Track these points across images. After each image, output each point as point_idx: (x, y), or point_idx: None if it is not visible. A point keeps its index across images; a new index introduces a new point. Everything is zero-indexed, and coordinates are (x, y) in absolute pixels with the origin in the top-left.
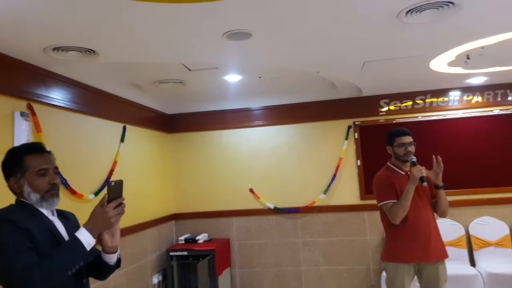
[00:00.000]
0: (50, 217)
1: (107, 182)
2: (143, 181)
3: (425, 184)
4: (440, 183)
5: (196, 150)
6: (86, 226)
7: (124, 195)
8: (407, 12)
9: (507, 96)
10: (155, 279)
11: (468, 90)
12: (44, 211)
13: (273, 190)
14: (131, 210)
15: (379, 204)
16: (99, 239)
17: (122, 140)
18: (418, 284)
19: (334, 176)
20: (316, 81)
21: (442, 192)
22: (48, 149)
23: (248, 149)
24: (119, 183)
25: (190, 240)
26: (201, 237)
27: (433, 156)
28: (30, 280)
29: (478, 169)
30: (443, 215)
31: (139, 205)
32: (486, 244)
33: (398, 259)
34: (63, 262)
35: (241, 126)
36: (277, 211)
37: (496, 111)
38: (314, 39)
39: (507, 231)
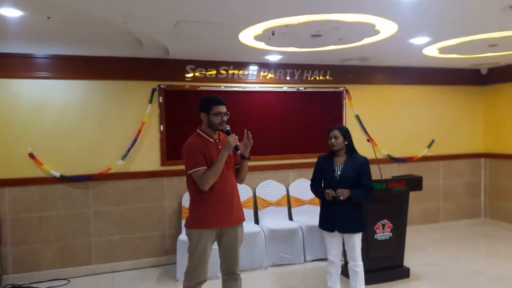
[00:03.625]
0: None
1: None
2: None
3: (239, 151)
4: (247, 155)
5: None
6: None
7: None
8: None
9: (294, 76)
10: None
11: (265, 66)
12: None
13: (61, 155)
14: None
15: (190, 172)
16: None
17: None
18: (216, 247)
19: (135, 141)
20: (119, 34)
21: (246, 162)
22: None
23: (28, 105)
24: None
25: None
26: None
27: (245, 130)
28: None
29: (266, 139)
30: (241, 182)
31: None
32: (268, 204)
33: (203, 226)
34: None
35: (19, 76)
36: (64, 179)
37: (285, 88)
38: None
39: (285, 192)
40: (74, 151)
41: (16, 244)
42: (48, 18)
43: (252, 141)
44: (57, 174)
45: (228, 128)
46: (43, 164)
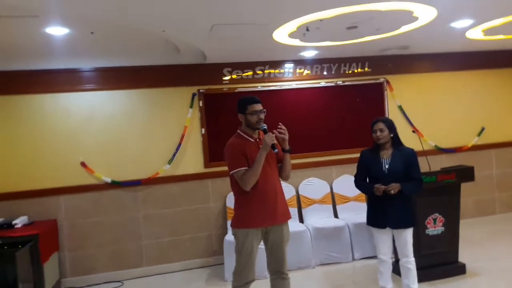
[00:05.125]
0: None
1: None
2: None
3: (276, 151)
4: (287, 147)
5: (10, 117)
6: None
7: None
8: None
9: (331, 70)
10: None
11: (301, 63)
12: None
13: (110, 162)
14: None
15: (231, 172)
16: None
17: None
18: (263, 246)
19: (179, 145)
20: (158, 42)
21: (288, 156)
22: None
23: (78, 117)
24: None
25: (5, 226)
26: (19, 221)
27: (279, 123)
28: None
29: (306, 136)
30: (287, 178)
31: None
32: (311, 202)
33: (249, 225)
34: None
35: (69, 89)
36: (115, 185)
37: (322, 83)
38: None
39: (328, 190)
40: (123, 158)
41: (72, 249)
42: (92, 33)
43: (287, 132)
44: (109, 180)
45: (265, 127)
46: (94, 172)
